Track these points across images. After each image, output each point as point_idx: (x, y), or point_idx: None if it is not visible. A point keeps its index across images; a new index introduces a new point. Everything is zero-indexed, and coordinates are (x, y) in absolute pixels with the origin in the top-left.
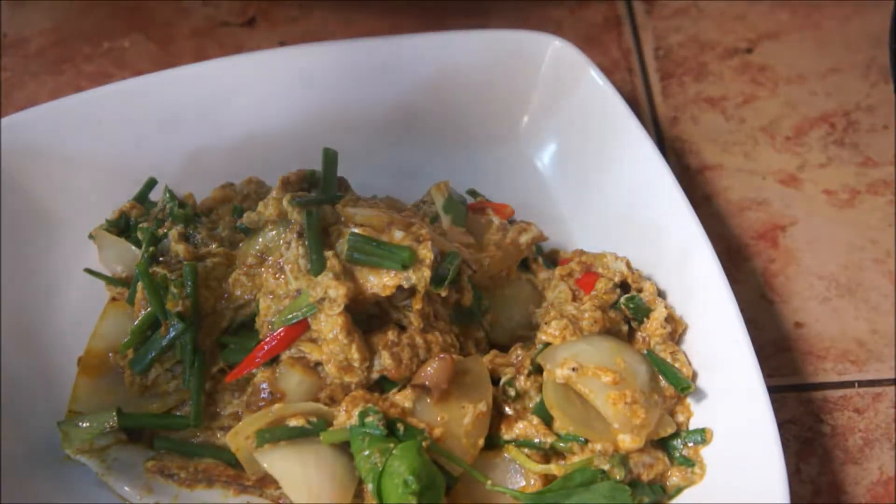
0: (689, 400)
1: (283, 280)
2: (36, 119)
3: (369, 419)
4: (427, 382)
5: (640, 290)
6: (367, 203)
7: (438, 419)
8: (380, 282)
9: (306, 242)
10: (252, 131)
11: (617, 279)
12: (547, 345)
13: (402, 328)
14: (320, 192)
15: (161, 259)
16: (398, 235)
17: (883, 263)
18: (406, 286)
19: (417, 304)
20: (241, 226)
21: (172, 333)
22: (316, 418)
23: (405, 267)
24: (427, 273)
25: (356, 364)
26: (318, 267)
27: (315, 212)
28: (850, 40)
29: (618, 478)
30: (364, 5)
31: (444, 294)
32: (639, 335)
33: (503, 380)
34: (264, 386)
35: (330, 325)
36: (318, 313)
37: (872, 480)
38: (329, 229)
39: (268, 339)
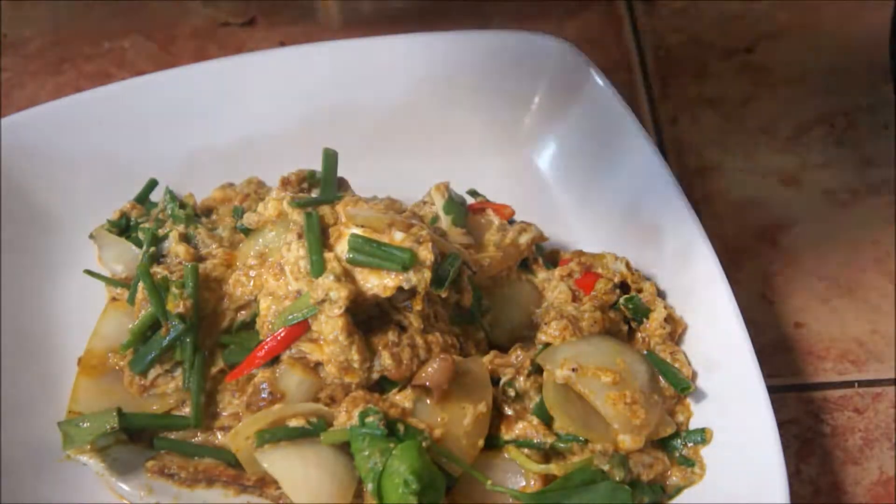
0: (689, 400)
1: (283, 281)
2: (36, 119)
3: (369, 419)
4: (427, 383)
5: (639, 291)
6: (368, 204)
7: (438, 420)
8: (380, 283)
9: (306, 244)
10: (252, 131)
11: (617, 279)
12: (547, 345)
13: (403, 329)
14: (320, 193)
15: (161, 259)
16: (398, 237)
17: (883, 263)
18: (406, 287)
19: (418, 306)
20: (241, 226)
21: (173, 334)
22: (316, 419)
23: (406, 268)
24: (427, 274)
25: (356, 365)
26: (318, 268)
27: (314, 213)
28: (850, 40)
29: (617, 478)
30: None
31: (444, 295)
32: (639, 335)
33: (503, 380)
34: (264, 386)
35: (330, 327)
36: (318, 314)
37: (872, 480)
38: (329, 230)
39: (268, 339)
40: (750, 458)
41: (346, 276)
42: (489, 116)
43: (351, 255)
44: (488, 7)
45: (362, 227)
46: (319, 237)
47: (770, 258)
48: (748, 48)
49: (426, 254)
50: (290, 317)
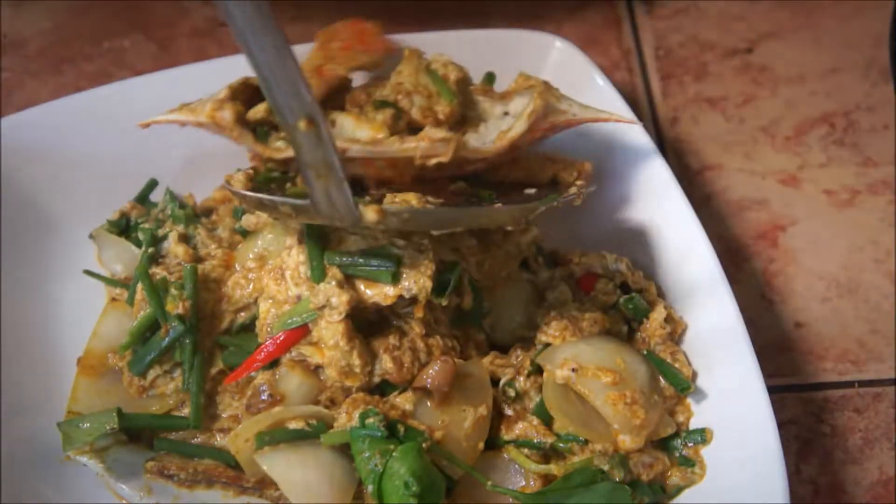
0: (689, 400)
1: (283, 285)
2: (36, 119)
3: (370, 421)
4: (428, 385)
5: (640, 291)
6: None
7: (439, 422)
8: (381, 292)
9: (306, 249)
10: None
11: (617, 280)
12: (547, 345)
13: (403, 332)
14: None
15: (161, 260)
16: (400, 243)
17: (883, 263)
18: (407, 297)
19: (419, 313)
20: (240, 228)
21: (172, 335)
22: (316, 421)
23: (395, 279)
24: (428, 284)
25: (357, 369)
26: (318, 274)
27: None
28: (850, 40)
29: (617, 478)
30: (364, 5)
31: (444, 304)
32: (639, 335)
33: (503, 381)
34: (264, 388)
35: (331, 332)
36: (318, 319)
37: (872, 480)
38: (329, 235)
39: (267, 342)
40: (750, 458)
41: (347, 282)
42: None
43: (344, 269)
44: (488, 7)
45: (361, 234)
46: (319, 243)
47: (770, 258)
48: (748, 48)
49: (427, 263)
50: (289, 321)
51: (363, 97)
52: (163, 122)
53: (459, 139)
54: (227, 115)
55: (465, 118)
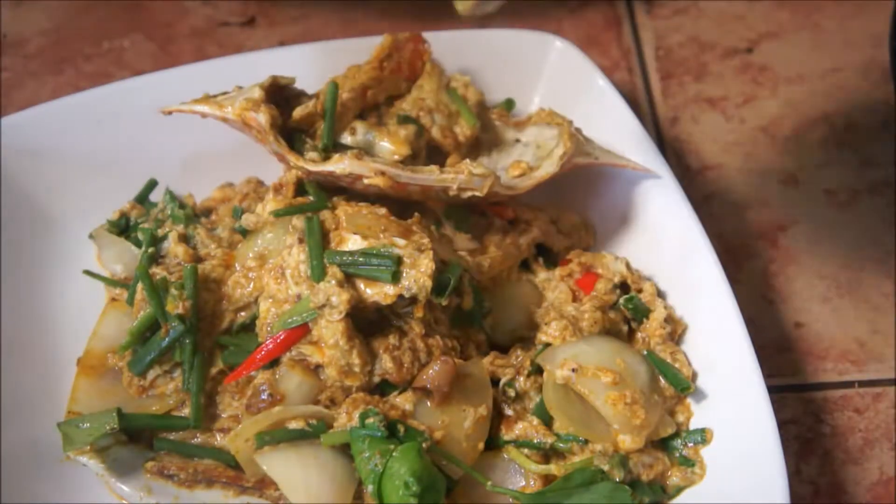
0: (689, 400)
1: (284, 285)
2: (36, 119)
3: (370, 420)
4: (428, 385)
5: (639, 291)
6: (368, 209)
7: (439, 422)
8: (380, 291)
9: (307, 248)
10: None
11: (617, 280)
12: (547, 345)
13: (403, 332)
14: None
15: (161, 260)
16: (400, 243)
17: (883, 263)
18: (407, 296)
19: (419, 313)
20: (239, 227)
21: (172, 335)
22: (316, 420)
23: (395, 278)
24: (428, 283)
25: (357, 369)
26: (318, 273)
27: (315, 218)
28: (850, 40)
29: (617, 478)
30: (364, 5)
31: (444, 304)
32: (639, 335)
33: (503, 381)
34: (264, 388)
35: (331, 331)
36: (318, 318)
37: (872, 480)
38: (330, 235)
39: (267, 342)
40: (750, 458)
41: (347, 282)
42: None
43: (344, 269)
44: None
45: (354, 233)
46: (320, 242)
47: (770, 258)
48: (748, 48)
49: (427, 262)
50: (289, 320)
51: (383, 107)
52: (186, 111)
53: (495, 176)
54: (262, 118)
55: (478, 140)
